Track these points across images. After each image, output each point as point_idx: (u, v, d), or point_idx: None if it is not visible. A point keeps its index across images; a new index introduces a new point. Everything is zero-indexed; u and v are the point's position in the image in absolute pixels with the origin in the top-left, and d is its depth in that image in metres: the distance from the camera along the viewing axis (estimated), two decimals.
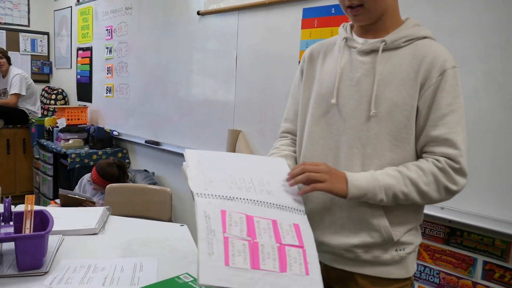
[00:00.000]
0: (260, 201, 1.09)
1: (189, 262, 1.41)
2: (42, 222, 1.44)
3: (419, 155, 1.13)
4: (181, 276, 1.28)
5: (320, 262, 1.20)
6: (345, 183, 1.07)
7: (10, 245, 1.35)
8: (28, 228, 1.36)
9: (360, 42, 1.18)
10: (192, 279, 1.26)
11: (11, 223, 1.33)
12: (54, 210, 1.67)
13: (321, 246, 1.20)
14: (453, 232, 1.82)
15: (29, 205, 1.41)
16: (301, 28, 2.33)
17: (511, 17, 1.60)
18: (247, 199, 1.09)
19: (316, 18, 2.26)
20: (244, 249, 0.97)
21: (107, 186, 2.31)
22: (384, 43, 1.12)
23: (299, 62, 2.35)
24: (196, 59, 3.10)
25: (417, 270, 1.92)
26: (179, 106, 3.27)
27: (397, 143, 1.11)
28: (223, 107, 2.86)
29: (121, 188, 2.28)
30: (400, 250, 1.14)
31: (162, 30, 3.40)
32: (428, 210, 1.82)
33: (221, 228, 0.99)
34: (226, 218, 1.02)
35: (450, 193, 1.08)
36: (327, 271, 1.23)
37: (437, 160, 1.07)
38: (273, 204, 1.09)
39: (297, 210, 1.10)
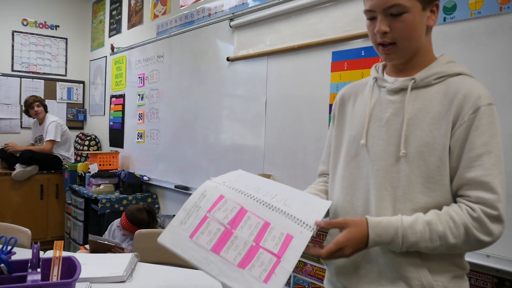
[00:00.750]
0: (268, 203, 1.06)
1: None
2: (70, 269, 1.41)
3: (454, 198, 1.06)
4: None
5: None
6: (365, 238, 1.02)
7: None
8: (55, 275, 1.34)
9: (390, 81, 1.15)
10: None
11: (39, 269, 1.30)
12: (82, 257, 1.65)
13: None
14: (502, 283, 1.68)
15: (57, 251, 1.39)
16: (331, 71, 2.32)
17: None
18: (254, 197, 1.08)
19: (345, 61, 2.25)
20: (216, 233, 1.00)
21: (136, 232, 2.29)
22: (413, 81, 1.08)
23: (329, 105, 2.34)
24: (225, 105, 3.13)
25: None
26: (209, 151, 3.28)
27: (430, 186, 1.04)
28: (253, 151, 2.84)
29: (150, 234, 2.25)
30: None
31: (192, 77, 3.47)
32: (473, 258, 1.70)
33: (208, 208, 1.04)
34: (220, 203, 1.05)
35: (483, 245, 1.00)
36: None
37: (471, 208, 0.99)
38: (281, 210, 1.05)
39: (305, 224, 1.02)
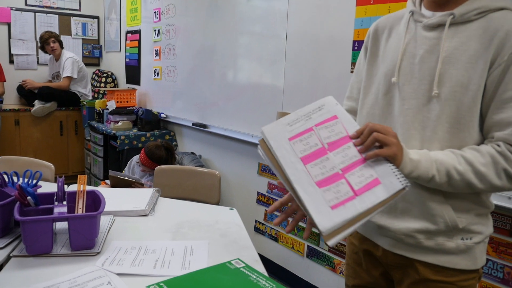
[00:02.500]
0: None
1: (240, 247, 1.37)
2: (94, 202, 1.44)
3: (483, 141, 1.03)
4: (232, 262, 1.24)
5: (379, 247, 1.15)
6: (401, 153, 0.98)
7: (63, 225, 1.36)
8: (80, 208, 1.37)
9: (427, 15, 1.08)
10: (244, 265, 1.22)
11: (65, 202, 1.33)
12: (105, 191, 1.68)
13: (380, 230, 1.15)
14: None
15: (81, 185, 1.41)
16: (356, 5, 2.21)
17: None
18: None
19: None
20: (313, 146, 1.02)
21: (156, 168, 2.31)
22: (452, 16, 1.01)
23: (352, 41, 2.25)
24: (244, 42, 3.04)
25: None
26: (227, 89, 3.23)
27: (459, 127, 1.01)
28: (272, 90, 2.79)
29: (170, 170, 2.27)
30: (467, 239, 1.05)
31: (210, 12, 3.36)
32: (495, 200, 1.69)
33: (317, 122, 1.04)
34: (330, 122, 1.05)
35: (510, 178, 0.97)
36: (386, 256, 1.17)
37: (496, 144, 0.97)
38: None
39: (401, 177, 0.96)
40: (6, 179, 1.52)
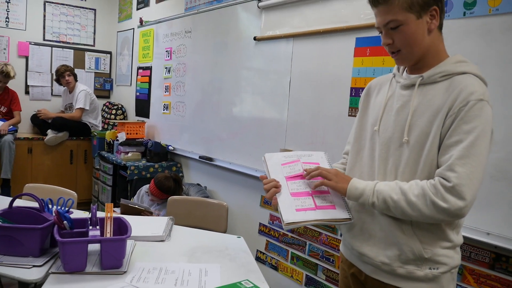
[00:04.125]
0: None
1: (248, 271, 1.55)
2: (120, 227, 1.64)
3: None
4: (242, 282, 1.43)
5: (362, 272, 1.36)
6: (347, 184, 1.29)
7: (94, 247, 1.56)
8: (108, 232, 1.56)
9: (404, 77, 1.32)
10: (252, 285, 1.41)
11: (98, 227, 1.52)
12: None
13: (362, 257, 1.34)
14: (499, 258, 1.87)
15: (109, 213, 1.61)
16: (354, 56, 2.47)
17: None
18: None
19: (368, 47, 2.39)
20: (296, 171, 1.43)
21: (169, 198, 2.51)
22: (421, 78, 1.25)
23: (350, 88, 2.49)
24: (250, 81, 3.29)
25: None
26: (233, 125, 3.47)
27: (423, 168, 1.22)
28: (276, 127, 3.02)
29: (182, 201, 2.47)
30: (434, 268, 1.24)
31: (219, 53, 3.63)
32: (474, 235, 1.88)
33: (303, 159, 1.47)
34: (315, 162, 1.46)
35: (440, 210, 1.13)
36: (367, 281, 1.36)
37: (433, 179, 1.17)
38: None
39: (349, 211, 1.36)
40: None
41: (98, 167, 4.81)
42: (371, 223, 1.33)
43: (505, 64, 1.82)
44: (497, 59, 1.85)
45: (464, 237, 1.89)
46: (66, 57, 5.49)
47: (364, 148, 1.41)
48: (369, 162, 1.37)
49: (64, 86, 5.13)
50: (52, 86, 5.43)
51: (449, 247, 1.26)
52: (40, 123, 5.02)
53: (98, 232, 1.50)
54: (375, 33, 2.34)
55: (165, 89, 4.46)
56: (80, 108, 4.97)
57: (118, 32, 5.69)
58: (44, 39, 5.36)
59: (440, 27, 1.28)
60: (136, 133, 4.64)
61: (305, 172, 1.39)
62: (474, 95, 1.15)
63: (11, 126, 4.70)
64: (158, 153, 4.23)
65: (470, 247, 1.95)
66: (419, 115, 1.24)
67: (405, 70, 1.37)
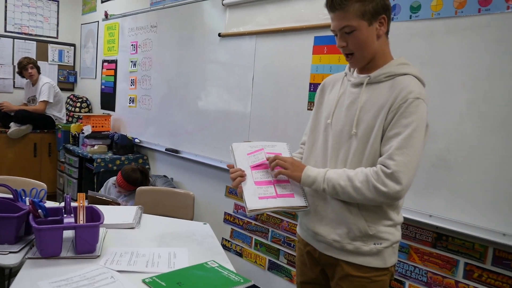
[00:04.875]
0: None
1: (214, 253, 1.69)
2: (92, 215, 1.74)
3: None
4: (208, 262, 1.57)
5: (316, 250, 1.52)
6: (301, 173, 1.45)
7: (68, 233, 1.65)
8: (81, 220, 1.66)
9: (354, 76, 1.49)
10: (217, 265, 1.55)
11: (72, 215, 1.62)
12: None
13: (316, 236, 1.51)
14: (440, 237, 2.09)
15: (81, 201, 1.71)
16: (312, 54, 2.63)
17: (492, 55, 1.88)
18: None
19: (325, 46, 2.56)
20: (260, 159, 1.56)
21: (138, 188, 2.61)
22: (368, 78, 1.42)
23: (309, 84, 2.66)
24: (215, 75, 3.41)
25: (408, 270, 2.19)
26: (199, 118, 3.58)
27: (368, 157, 1.39)
28: (240, 120, 3.16)
29: (150, 191, 2.58)
30: (377, 244, 1.41)
31: (185, 48, 3.72)
32: (418, 217, 2.10)
33: (267, 149, 1.59)
34: (278, 152, 1.60)
35: (381, 194, 1.30)
36: (320, 257, 1.53)
37: (376, 166, 1.35)
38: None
39: (306, 200, 1.52)
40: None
41: (63, 160, 4.81)
42: (324, 206, 1.49)
43: (446, 64, 2.03)
44: (438, 58, 2.05)
45: (409, 219, 2.12)
46: (29, 49, 5.43)
47: (319, 139, 1.57)
48: (322, 151, 1.53)
49: (27, 79, 5.07)
50: (14, 78, 5.36)
51: (391, 225, 1.43)
52: (2, 115, 4.95)
53: (72, 220, 1.60)
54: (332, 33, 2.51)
55: (131, 82, 4.51)
56: (44, 101, 4.94)
57: (82, 24, 5.66)
58: (5, 31, 5.27)
59: (387, 33, 1.45)
60: (102, 126, 4.67)
61: (266, 161, 1.53)
62: (412, 94, 1.32)
63: None
64: (125, 145, 4.29)
65: (415, 228, 2.17)
66: (366, 110, 1.40)
67: (355, 71, 1.53)
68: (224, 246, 3.36)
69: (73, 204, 1.71)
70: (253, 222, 3.13)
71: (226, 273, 1.49)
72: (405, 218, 2.10)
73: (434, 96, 2.04)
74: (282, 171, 1.47)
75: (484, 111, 1.91)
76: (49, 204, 1.95)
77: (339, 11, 1.37)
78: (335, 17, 1.40)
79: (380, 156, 1.36)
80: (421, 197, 2.09)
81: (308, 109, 2.65)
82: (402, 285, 2.23)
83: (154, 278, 1.41)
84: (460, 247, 2.02)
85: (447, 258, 2.06)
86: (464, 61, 1.97)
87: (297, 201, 1.49)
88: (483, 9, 1.91)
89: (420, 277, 2.16)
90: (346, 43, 1.40)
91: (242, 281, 1.42)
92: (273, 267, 2.97)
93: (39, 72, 5.06)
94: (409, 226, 2.18)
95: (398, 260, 2.21)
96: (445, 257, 2.07)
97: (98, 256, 1.57)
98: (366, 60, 1.43)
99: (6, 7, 5.24)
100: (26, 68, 4.91)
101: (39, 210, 1.64)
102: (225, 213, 3.38)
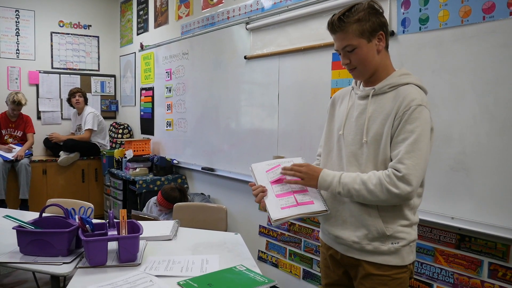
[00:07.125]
0: None
1: (243, 259, 1.84)
2: (133, 229, 1.94)
3: None
4: (237, 266, 1.72)
5: (338, 252, 1.63)
6: (316, 180, 1.56)
7: (113, 245, 1.85)
8: (123, 232, 1.86)
9: (361, 89, 1.62)
10: (245, 268, 1.70)
11: (115, 228, 1.82)
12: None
13: (337, 239, 1.62)
14: (463, 238, 2.15)
15: (123, 217, 1.91)
16: (331, 69, 2.77)
17: (499, 59, 1.96)
18: None
19: None
20: (278, 175, 1.67)
21: (175, 205, 2.81)
22: (373, 90, 1.55)
23: (330, 97, 2.79)
24: (243, 96, 3.60)
25: (434, 272, 2.25)
26: (230, 136, 3.77)
27: (381, 162, 1.50)
28: (268, 137, 3.32)
29: (186, 207, 2.77)
30: (395, 243, 1.51)
31: (215, 72, 3.96)
32: (441, 220, 2.16)
33: (283, 165, 1.68)
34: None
35: (394, 196, 1.40)
36: (343, 259, 1.64)
37: (387, 170, 1.46)
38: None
39: (326, 204, 1.62)
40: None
41: (108, 183, 5.12)
42: (343, 211, 1.60)
43: (456, 70, 2.12)
44: (449, 66, 2.15)
45: (432, 222, 2.21)
46: (73, 82, 5.86)
47: (333, 150, 1.70)
48: (338, 161, 1.66)
49: (73, 107, 5.46)
50: (62, 110, 5.79)
51: (407, 225, 1.53)
52: (52, 145, 5.36)
53: (115, 233, 1.80)
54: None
55: (167, 107, 4.79)
56: (89, 129, 5.30)
57: (120, 56, 6.05)
58: (52, 67, 5.73)
59: (386, 47, 1.58)
60: (143, 150, 4.96)
61: (283, 171, 1.66)
62: (414, 101, 1.45)
63: (27, 151, 5.03)
64: (164, 167, 4.54)
65: (439, 231, 2.23)
66: (374, 119, 1.53)
67: (361, 84, 1.66)
68: (260, 258, 3.49)
69: (116, 220, 1.92)
70: (287, 233, 3.25)
71: (252, 275, 1.63)
72: (428, 222, 2.21)
73: (447, 102, 2.13)
74: (298, 182, 1.61)
75: (496, 113, 1.98)
76: (95, 221, 2.17)
77: (339, 33, 1.52)
78: (337, 38, 1.54)
79: (391, 160, 1.48)
80: (443, 200, 2.17)
81: None
82: (430, 287, 2.29)
83: (187, 280, 1.57)
84: (483, 247, 2.07)
85: (471, 259, 2.12)
86: (473, 66, 2.06)
87: (317, 207, 1.58)
88: (487, 17, 2.00)
89: (447, 279, 2.21)
90: (349, 60, 1.54)
91: (266, 281, 1.56)
92: (308, 276, 3.07)
93: (86, 103, 5.44)
94: (433, 229, 2.25)
95: (425, 263, 2.28)
96: (469, 257, 2.13)
97: (139, 264, 1.75)
98: (368, 74, 1.56)
99: (51, 45, 5.71)
100: (74, 96, 5.31)
101: (87, 225, 1.85)
102: (260, 226, 3.52)
